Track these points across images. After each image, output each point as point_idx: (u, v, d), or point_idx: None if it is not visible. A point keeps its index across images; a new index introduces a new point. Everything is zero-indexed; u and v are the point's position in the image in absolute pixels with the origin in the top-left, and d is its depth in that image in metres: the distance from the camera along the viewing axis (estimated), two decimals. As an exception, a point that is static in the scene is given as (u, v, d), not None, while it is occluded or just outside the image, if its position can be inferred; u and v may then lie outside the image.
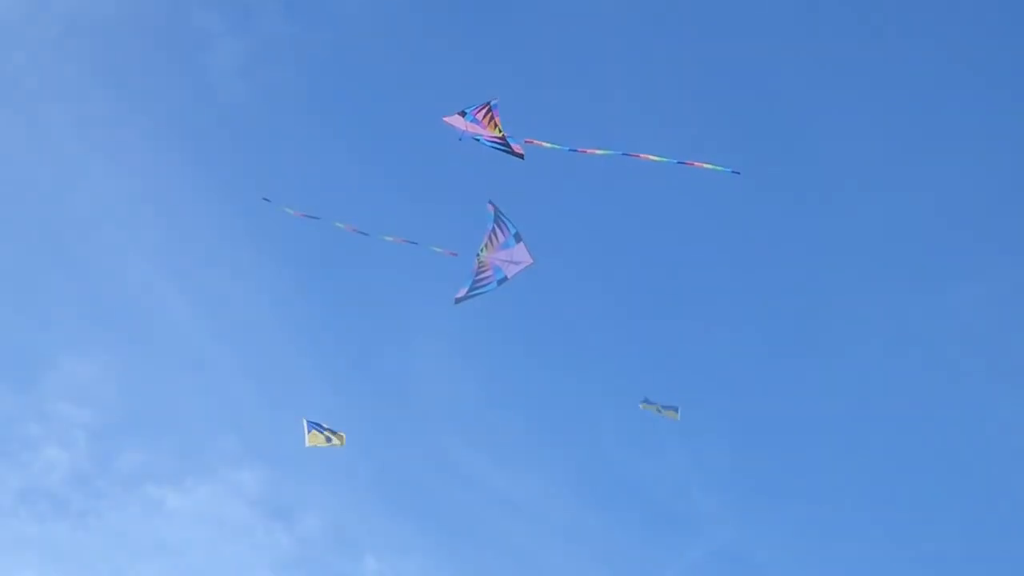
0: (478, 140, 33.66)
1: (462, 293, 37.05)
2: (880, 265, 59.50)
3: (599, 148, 32.24)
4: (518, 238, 36.89)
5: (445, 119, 33.52)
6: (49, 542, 54.19)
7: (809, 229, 60.49)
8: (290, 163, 57.38)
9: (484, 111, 33.08)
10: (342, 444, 39.50)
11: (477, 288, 37.04)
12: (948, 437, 56.94)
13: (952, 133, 60.15)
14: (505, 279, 37.02)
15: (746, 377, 58.85)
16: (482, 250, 37.10)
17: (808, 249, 60.28)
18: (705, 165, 31.15)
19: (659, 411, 40.11)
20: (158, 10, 58.67)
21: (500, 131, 32.93)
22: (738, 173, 30.81)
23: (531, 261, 36.94)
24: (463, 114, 33.41)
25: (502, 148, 33.19)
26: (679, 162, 31.23)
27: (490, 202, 37.15)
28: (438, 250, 37.54)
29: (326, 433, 39.18)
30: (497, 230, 36.93)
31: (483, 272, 37.05)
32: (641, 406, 40.25)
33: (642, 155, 31.54)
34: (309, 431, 39.11)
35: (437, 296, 53.03)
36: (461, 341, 57.08)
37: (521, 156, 32.93)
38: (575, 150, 32.49)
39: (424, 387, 57.73)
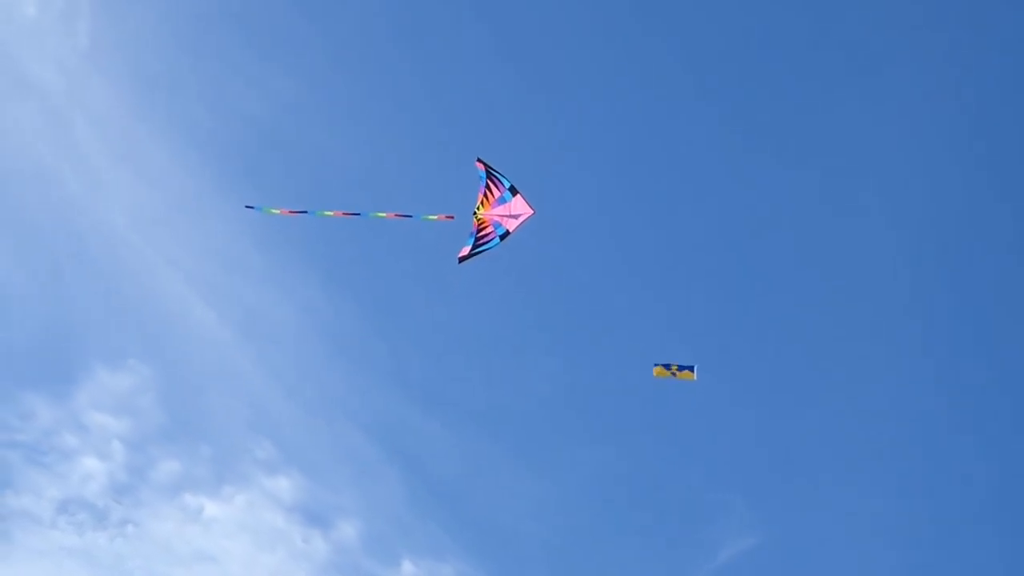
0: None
1: (465, 252, 36.27)
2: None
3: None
4: (514, 191, 36.24)
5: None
6: (89, 552, 55.31)
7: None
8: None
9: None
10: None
11: (480, 246, 36.16)
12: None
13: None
14: (507, 233, 36.24)
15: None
16: (478, 208, 36.33)
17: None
18: None
19: (675, 374, 38.61)
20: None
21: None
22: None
23: (532, 212, 36.25)
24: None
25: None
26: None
27: (479, 159, 36.56)
28: (433, 218, 36.62)
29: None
30: (491, 185, 36.21)
31: (484, 230, 36.20)
32: (655, 372, 38.70)
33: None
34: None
35: (465, 300, 57.68)
36: (489, 341, 59.70)
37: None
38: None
39: (456, 391, 59.26)
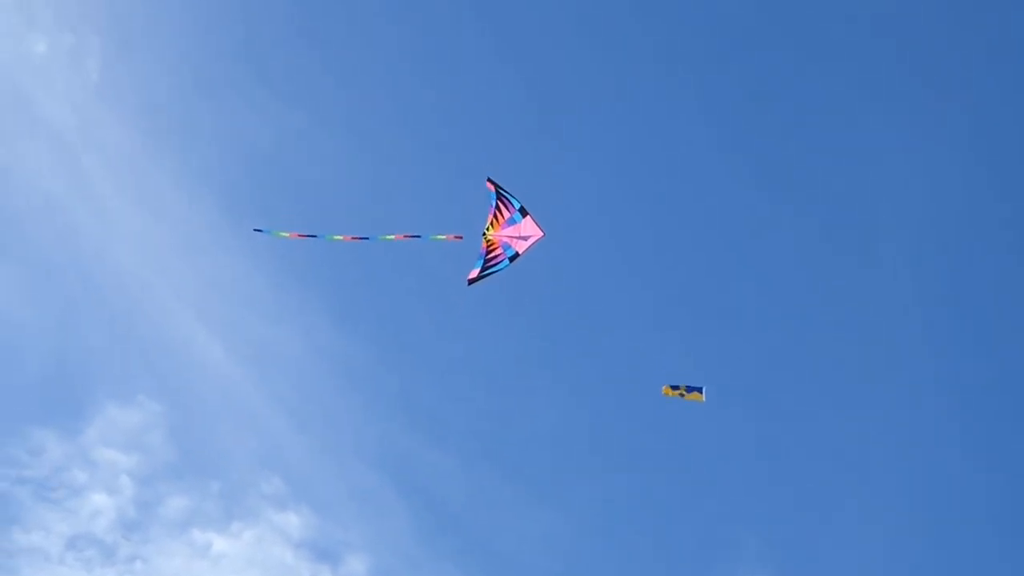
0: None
1: (474, 274, 36.10)
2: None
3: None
4: (524, 212, 36.11)
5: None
6: (98, 589, 55.17)
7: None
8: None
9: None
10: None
11: (489, 267, 36.10)
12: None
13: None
14: (517, 255, 36.06)
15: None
16: (488, 229, 36.30)
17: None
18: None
19: (683, 395, 38.64)
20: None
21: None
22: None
23: (542, 234, 36.10)
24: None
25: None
26: None
27: (489, 179, 36.44)
28: (442, 238, 36.56)
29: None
30: (501, 206, 36.17)
31: (493, 251, 36.14)
32: (664, 392, 38.75)
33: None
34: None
35: (472, 331, 58.32)
36: (496, 372, 59.79)
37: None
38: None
39: (464, 423, 59.43)
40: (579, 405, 59.56)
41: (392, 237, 37.07)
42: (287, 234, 37.91)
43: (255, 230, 38.33)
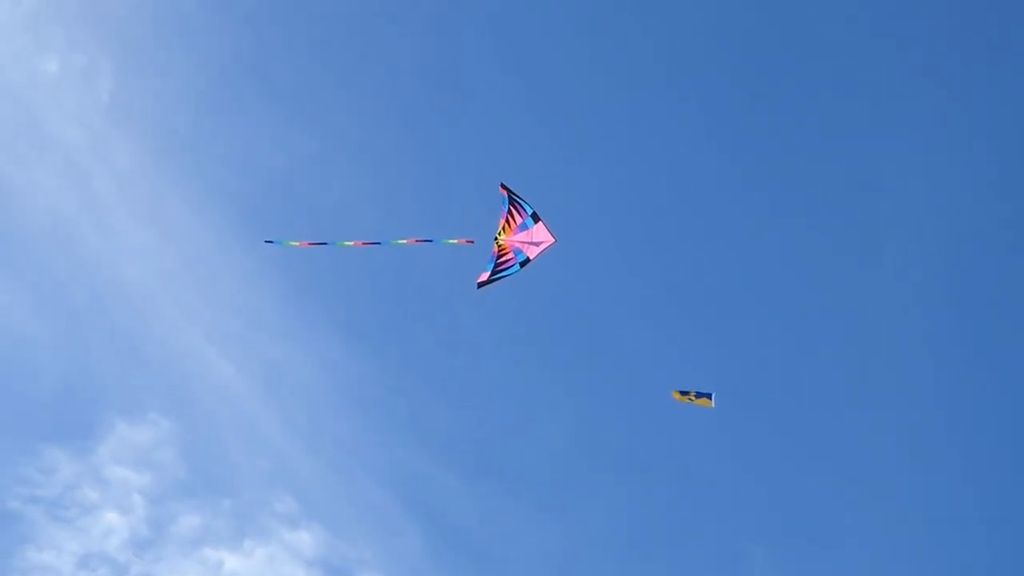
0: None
1: (484, 278, 36.21)
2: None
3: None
4: (536, 218, 36.30)
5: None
6: (110, 608, 55.26)
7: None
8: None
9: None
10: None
11: (499, 272, 36.28)
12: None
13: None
14: (528, 260, 36.22)
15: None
16: (500, 233, 36.52)
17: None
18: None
19: (692, 400, 38.85)
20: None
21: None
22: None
23: (553, 240, 36.28)
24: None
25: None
26: None
27: (502, 184, 36.64)
28: (453, 242, 36.78)
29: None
30: (513, 211, 36.41)
31: (504, 256, 36.35)
32: (674, 396, 38.94)
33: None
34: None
35: (481, 349, 58.70)
36: (503, 388, 60.13)
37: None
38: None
39: (472, 440, 59.78)
40: (586, 421, 59.93)
41: (404, 241, 37.23)
42: (297, 243, 38.15)
43: (266, 241, 38.62)
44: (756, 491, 58.15)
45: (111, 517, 56.47)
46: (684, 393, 38.75)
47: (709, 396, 38.70)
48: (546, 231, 36.21)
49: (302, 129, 61.67)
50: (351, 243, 37.63)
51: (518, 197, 36.36)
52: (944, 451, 58.38)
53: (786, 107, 63.53)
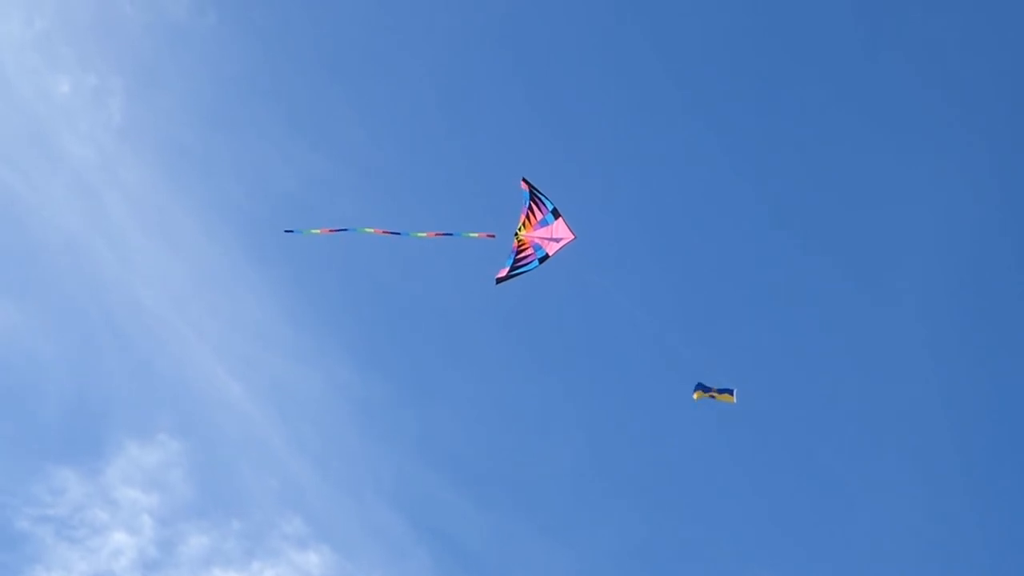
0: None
1: (503, 273, 36.09)
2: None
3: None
4: (556, 214, 36.15)
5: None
6: (118, 629, 55.18)
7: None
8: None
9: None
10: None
11: (519, 267, 36.16)
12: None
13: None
14: (547, 256, 36.08)
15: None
16: (520, 228, 36.40)
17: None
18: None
19: (715, 397, 38.61)
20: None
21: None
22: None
23: (572, 237, 36.13)
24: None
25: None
26: None
27: (524, 179, 36.49)
28: (474, 235, 36.63)
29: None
30: (534, 206, 36.31)
31: (523, 251, 36.20)
32: (695, 395, 38.72)
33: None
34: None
35: (493, 371, 58.57)
36: (516, 411, 59.56)
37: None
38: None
39: (483, 462, 59.47)
40: (598, 443, 59.44)
41: (424, 234, 37.21)
42: (318, 231, 38.09)
43: (286, 231, 38.59)
44: (768, 518, 57.79)
45: (120, 538, 56.34)
46: (706, 390, 38.56)
47: (731, 392, 38.51)
48: (566, 228, 36.11)
49: (313, 146, 61.81)
50: (371, 230, 37.54)
51: (539, 192, 36.25)
52: (953, 480, 58.20)
53: (797, 111, 63.92)
